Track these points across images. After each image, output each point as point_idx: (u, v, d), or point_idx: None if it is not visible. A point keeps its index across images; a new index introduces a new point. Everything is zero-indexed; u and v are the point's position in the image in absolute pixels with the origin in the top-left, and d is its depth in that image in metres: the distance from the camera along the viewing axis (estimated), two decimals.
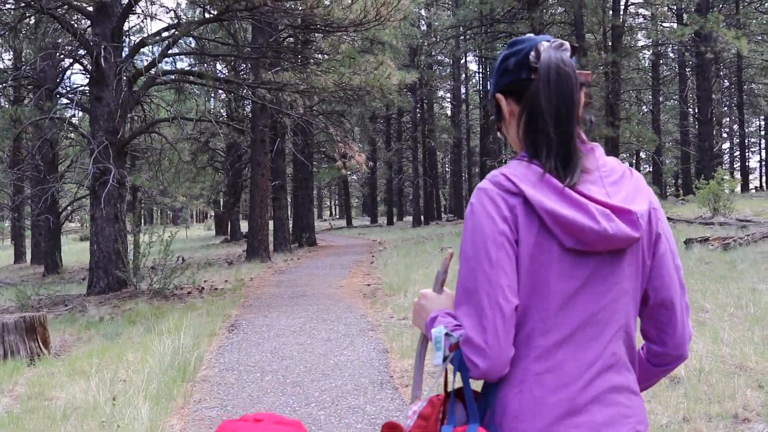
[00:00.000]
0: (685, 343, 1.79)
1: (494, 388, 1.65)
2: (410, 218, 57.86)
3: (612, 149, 26.80)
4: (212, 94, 34.21)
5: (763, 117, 60.68)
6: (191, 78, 16.14)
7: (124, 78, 14.38)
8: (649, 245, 1.70)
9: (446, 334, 1.64)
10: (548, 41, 1.71)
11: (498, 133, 1.93)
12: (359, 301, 12.04)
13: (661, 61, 42.85)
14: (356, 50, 13.11)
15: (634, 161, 50.24)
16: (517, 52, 1.75)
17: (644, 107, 45.72)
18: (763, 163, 68.28)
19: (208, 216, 76.20)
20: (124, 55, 14.96)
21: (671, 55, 43.17)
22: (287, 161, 30.68)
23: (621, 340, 1.67)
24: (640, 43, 37.58)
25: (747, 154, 54.76)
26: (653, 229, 1.70)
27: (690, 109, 37.93)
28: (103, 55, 13.39)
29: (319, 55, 14.32)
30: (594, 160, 1.71)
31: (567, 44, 1.71)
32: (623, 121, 28.46)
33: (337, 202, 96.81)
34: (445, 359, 1.63)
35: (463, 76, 53.97)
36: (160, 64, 14.77)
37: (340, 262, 20.47)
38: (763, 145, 67.49)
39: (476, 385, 1.63)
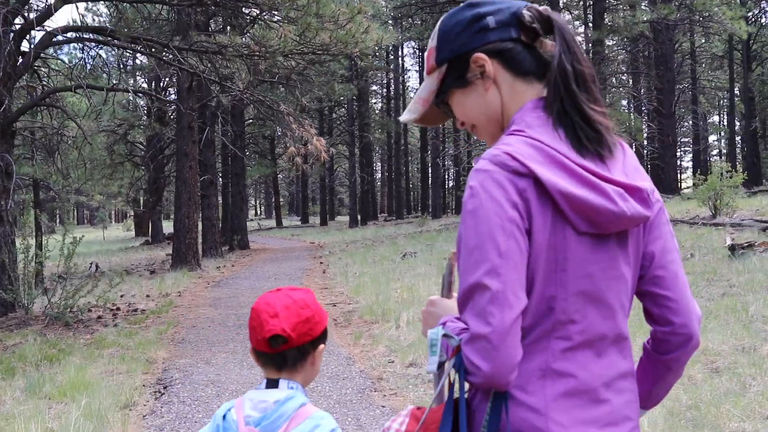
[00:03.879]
0: (693, 321, 1.55)
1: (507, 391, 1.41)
2: (344, 218, 55.22)
3: None
4: (130, 76, 30.64)
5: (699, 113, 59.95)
6: (100, 38, 12.47)
7: (10, 33, 10.80)
8: (646, 222, 1.52)
9: (445, 335, 1.42)
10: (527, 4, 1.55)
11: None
12: (333, 331, 8.87)
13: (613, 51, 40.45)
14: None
15: None
16: (495, 11, 1.52)
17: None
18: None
19: (128, 216, 71.16)
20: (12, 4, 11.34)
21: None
22: (216, 154, 27.20)
23: (625, 324, 1.53)
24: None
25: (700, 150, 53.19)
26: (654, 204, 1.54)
27: (650, 102, 35.65)
28: None
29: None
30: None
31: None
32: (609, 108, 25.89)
33: (263, 200, 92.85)
34: (440, 365, 1.43)
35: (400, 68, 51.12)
36: (55, 14, 11.15)
37: (284, 271, 17.29)
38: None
39: None
